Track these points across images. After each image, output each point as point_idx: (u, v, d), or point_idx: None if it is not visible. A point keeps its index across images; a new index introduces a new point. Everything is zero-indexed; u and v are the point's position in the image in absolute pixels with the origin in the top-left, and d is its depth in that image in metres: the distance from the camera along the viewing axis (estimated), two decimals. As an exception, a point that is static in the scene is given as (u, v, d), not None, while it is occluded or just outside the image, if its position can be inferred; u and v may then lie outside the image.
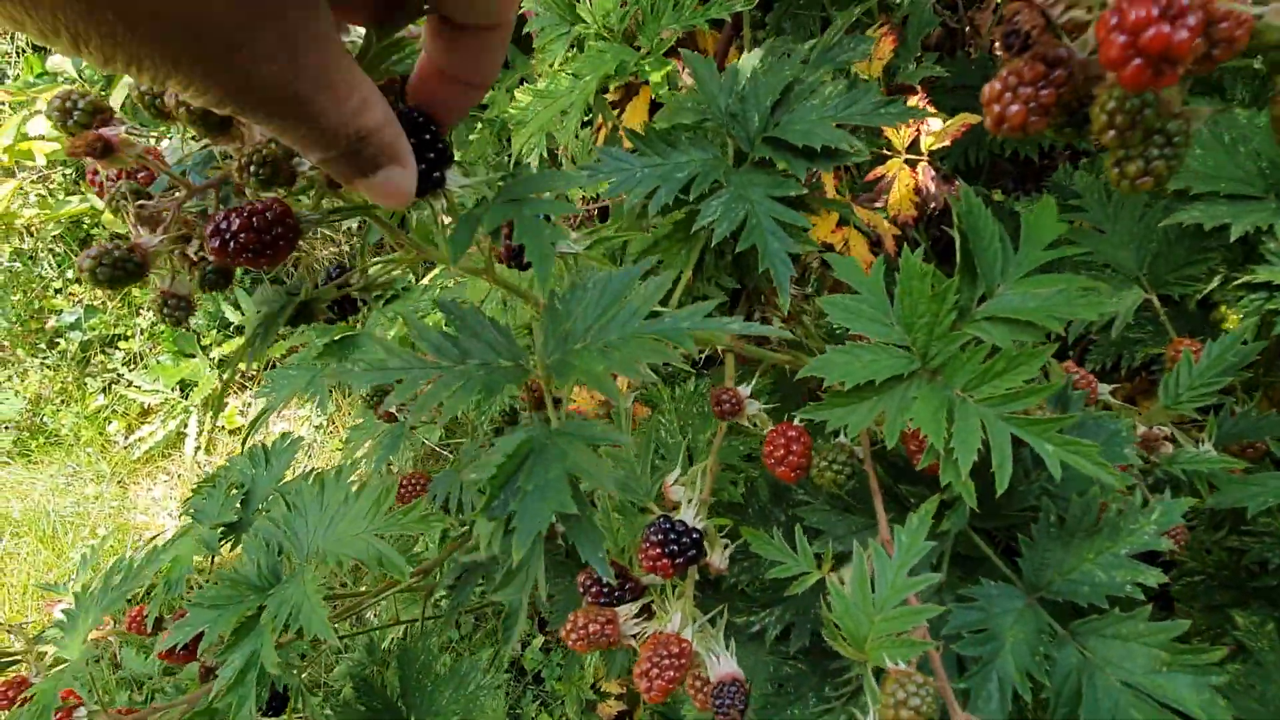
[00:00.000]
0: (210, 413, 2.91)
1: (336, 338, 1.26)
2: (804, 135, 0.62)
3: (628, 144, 0.69)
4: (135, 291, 3.09)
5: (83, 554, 2.49)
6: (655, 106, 1.23)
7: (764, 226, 0.61)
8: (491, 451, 0.44)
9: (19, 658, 1.07)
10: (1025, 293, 0.55)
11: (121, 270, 0.49)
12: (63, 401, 3.00)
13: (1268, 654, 0.79)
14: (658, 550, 0.61)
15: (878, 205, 1.25)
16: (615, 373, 0.42)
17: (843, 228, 1.20)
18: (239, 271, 0.56)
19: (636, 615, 0.66)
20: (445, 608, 1.41)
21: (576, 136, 1.27)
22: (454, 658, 2.04)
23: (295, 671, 1.07)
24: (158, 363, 2.98)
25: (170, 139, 0.56)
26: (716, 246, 0.70)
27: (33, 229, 3.10)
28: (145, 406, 2.97)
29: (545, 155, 1.24)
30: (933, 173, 1.27)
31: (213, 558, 1.19)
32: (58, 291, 3.12)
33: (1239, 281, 0.95)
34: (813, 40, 0.72)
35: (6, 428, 2.94)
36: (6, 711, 1.00)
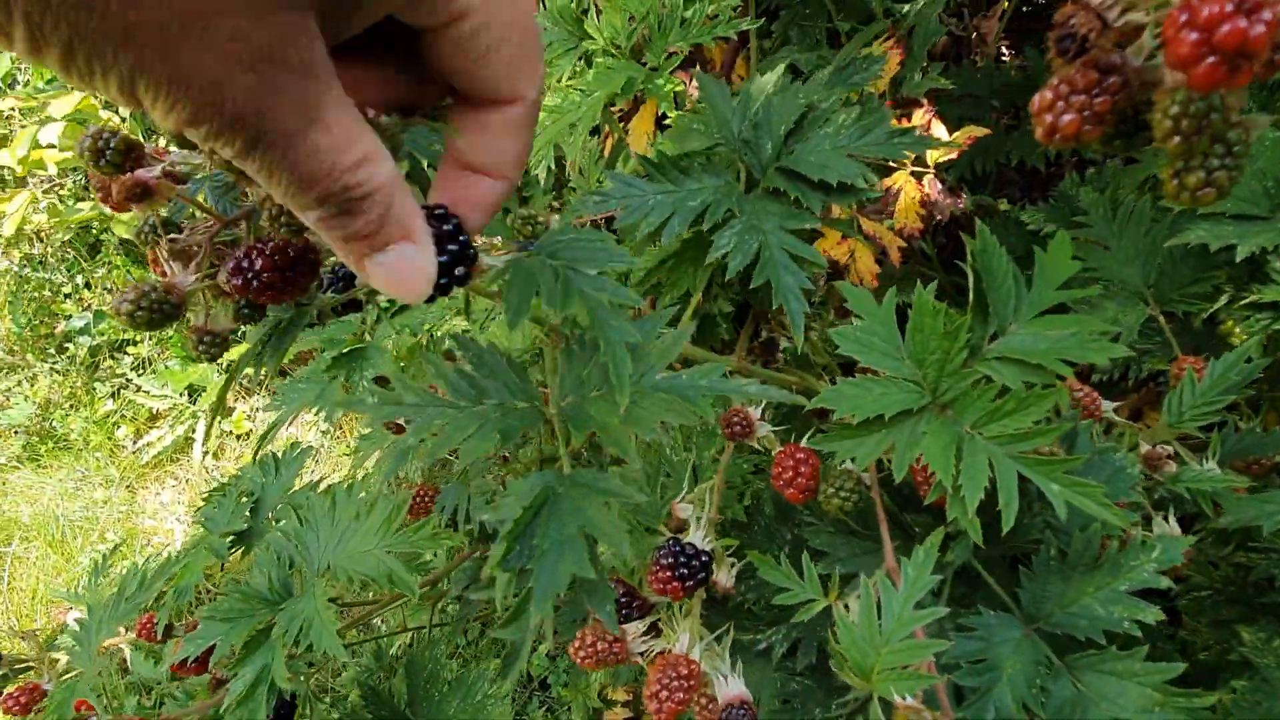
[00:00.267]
0: (214, 416, 2.92)
1: (345, 350, 1.27)
2: (819, 169, 0.62)
3: (637, 167, 0.69)
4: (144, 296, 3.10)
5: (93, 560, 2.51)
6: (661, 119, 1.24)
7: (777, 260, 0.61)
8: (508, 498, 0.44)
9: (30, 664, 1.09)
10: (1037, 334, 0.55)
11: (160, 312, 0.48)
12: (72, 406, 3.02)
13: (1274, 670, 0.79)
14: (668, 574, 0.61)
15: (884, 217, 1.25)
16: (632, 431, 0.42)
17: (848, 240, 1.20)
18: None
19: (644, 633, 0.67)
20: (453, 616, 1.42)
21: (584, 148, 1.28)
22: (461, 664, 2.05)
23: (303, 678, 1.08)
24: (166, 368, 3.00)
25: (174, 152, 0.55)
26: (721, 267, 0.71)
27: (43, 234, 3.12)
28: (154, 411, 2.98)
29: (553, 168, 1.25)
30: (939, 184, 1.27)
31: (222, 565, 1.19)
32: (67, 296, 3.13)
33: (1245, 301, 0.95)
34: (824, 68, 0.72)
35: (16, 432, 2.96)
36: (20, 718, 1.01)
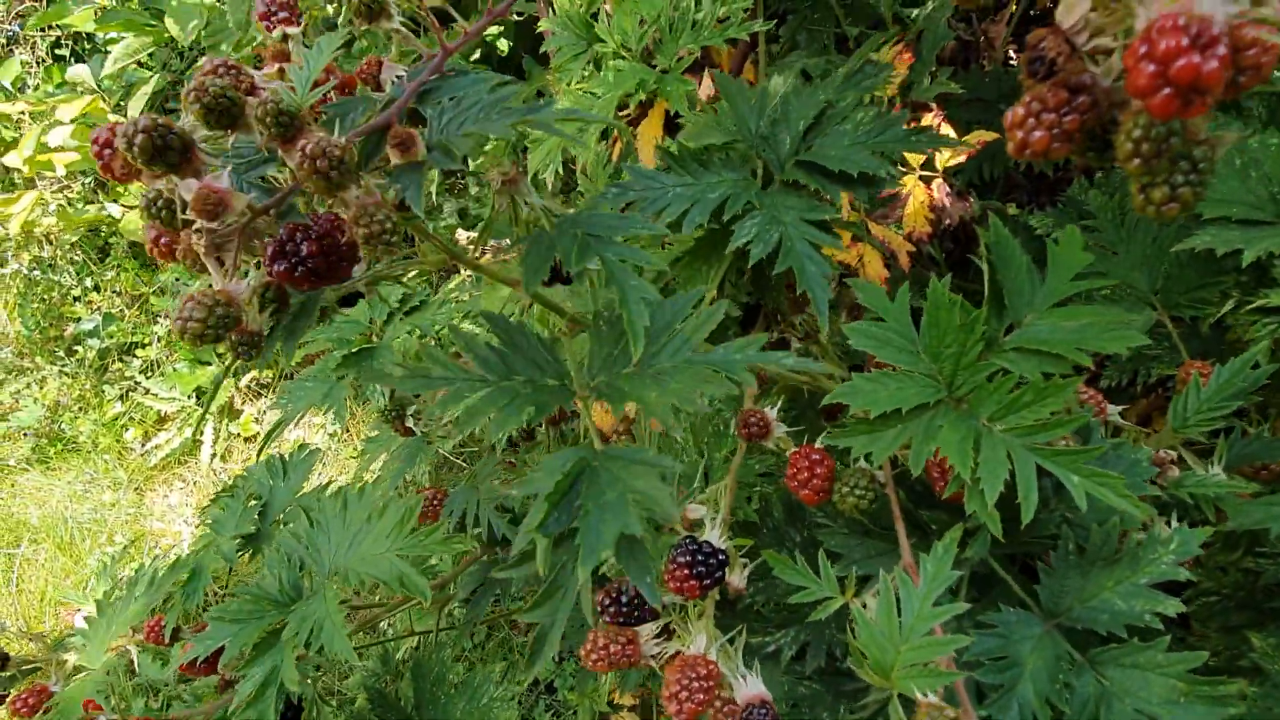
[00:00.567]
0: (208, 407, 2.93)
1: (355, 350, 1.27)
2: (839, 161, 0.63)
3: (650, 159, 0.70)
4: (153, 300, 3.12)
5: (101, 561, 2.51)
6: (669, 121, 1.24)
7: (800, 250, 0.61)
8: (540, 470, 0.44)
9: (39, 665, 1.09)
10: (1054, 324, 0.55)
11: (224, 326, 0.47)
12: (81, 409, 3.03)
13: (1284, 676, 0.79)
14: (685, 571, 0.61)
15: (892, 221, 1.26)
16: (674, 403, 0.42)
17: (858, 244, 1.21)
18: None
19: (656, 635, 0.66)
20: (460, 620, 1.42)
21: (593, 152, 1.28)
22: (467, 667, 2.05)
23: (309, 681, 1.08)
24: (174, 370, 3.00)
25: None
26: (735, 265, 0.71)
27: (52, 237, 3.13)
28: (162, 414, 2.99)
29: (560, 171, 1.25)
30: (947, 189, 1.27)
31: (230, 567, 1.20)
32: (76, 299, 3.15)
33: (1252, 306, 0.94)
34: (838, 70, 0.72)
35: (25, 434, 2.97)
36: (27, 719, 1.01)
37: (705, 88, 1.35)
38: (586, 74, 1.11)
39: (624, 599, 0.66)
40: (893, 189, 1.26)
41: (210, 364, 3.00)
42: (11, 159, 2.75)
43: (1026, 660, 0.58)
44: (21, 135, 2.77)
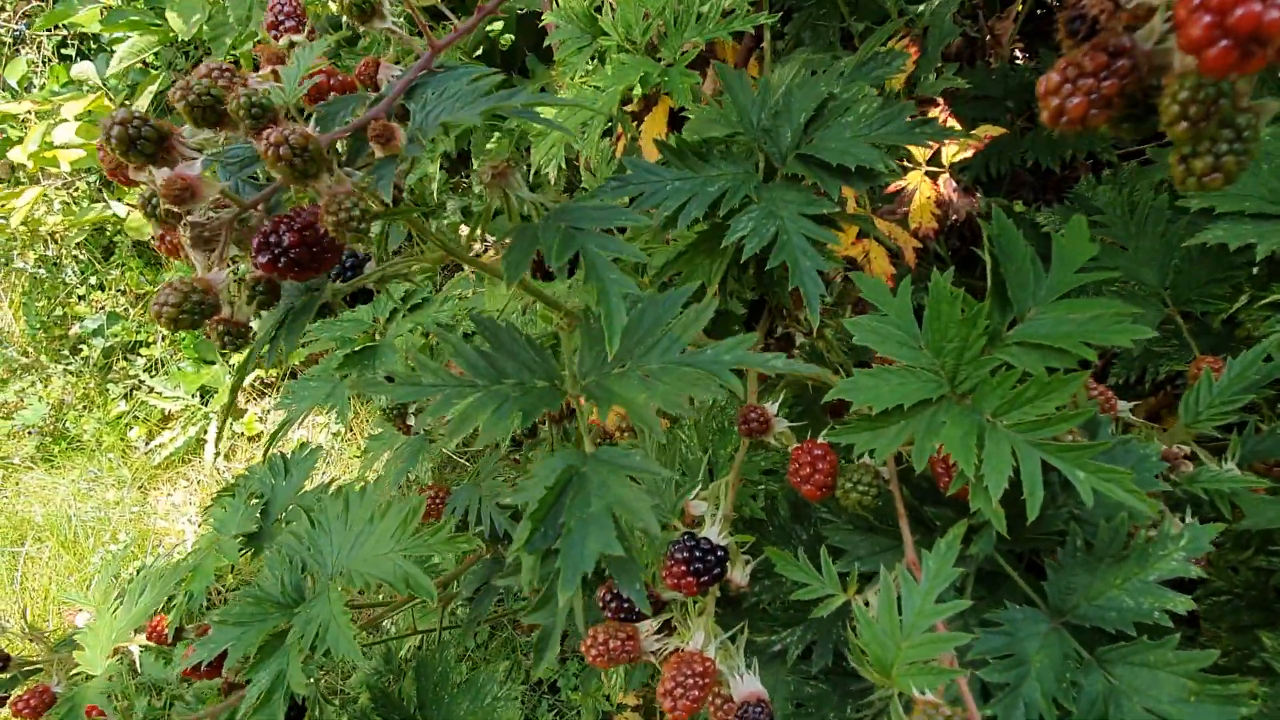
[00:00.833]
0: (226, 416, 2.93)
1: (358, 349, 1.27)
2: (839, 154, 0.62)
3: (653, 154, 0.69)
4: (157, 298, 3.12)
5: (104, 560, 2.52)
6: (673, 117, 1.23)
7: (794, 244, 0.60)
8: (530, 479, 0.43)
9: (40, 666, 1.08)
10: (1058, 317, 0.54)
11: (199, 312, 0.48)
12: (85, 407, 3.03)
13: (1295, 676, 0.78)
14: (683, 568, 0.60)
15: (898, 217, 1.25)
16: (658, 406, 0.41)
17: (863, 240, 1.20)
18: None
19: (657, 631, 0.66)
20: (463, 619, 1.42)
21: (596, 147, 1.27)
22: (471, 667, 2.04)
23: (313, 681, 1.07)
24: (179, 369, 3.01)
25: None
26: (737, 260, 0.70)
27: (56, 236, 3.14)
28: (166, 413, 2.99)
29: (564, 166, 1.25)
30: (954, 184, 1.26)
31: (232, 566, 1.19)
32: (81, 298, 3.15)
33: (1265, 301, 0.93)
34: (845, 59, 0.71)
35: (30, 433, 2.97)
36: (28, 720, 1.00)
37: (710, 83, 1.35)
38: (590, 68, 1.10)
39: (625, 595, 0.65)
40: (898, 184, 1.25)
41: (214, 363, 3.00)
42: (16, 154, 2.76)
43: (1033, 658, 0.57)
44: (27, 133, 2.78)
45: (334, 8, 1.95)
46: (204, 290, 0.48)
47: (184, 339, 3.03)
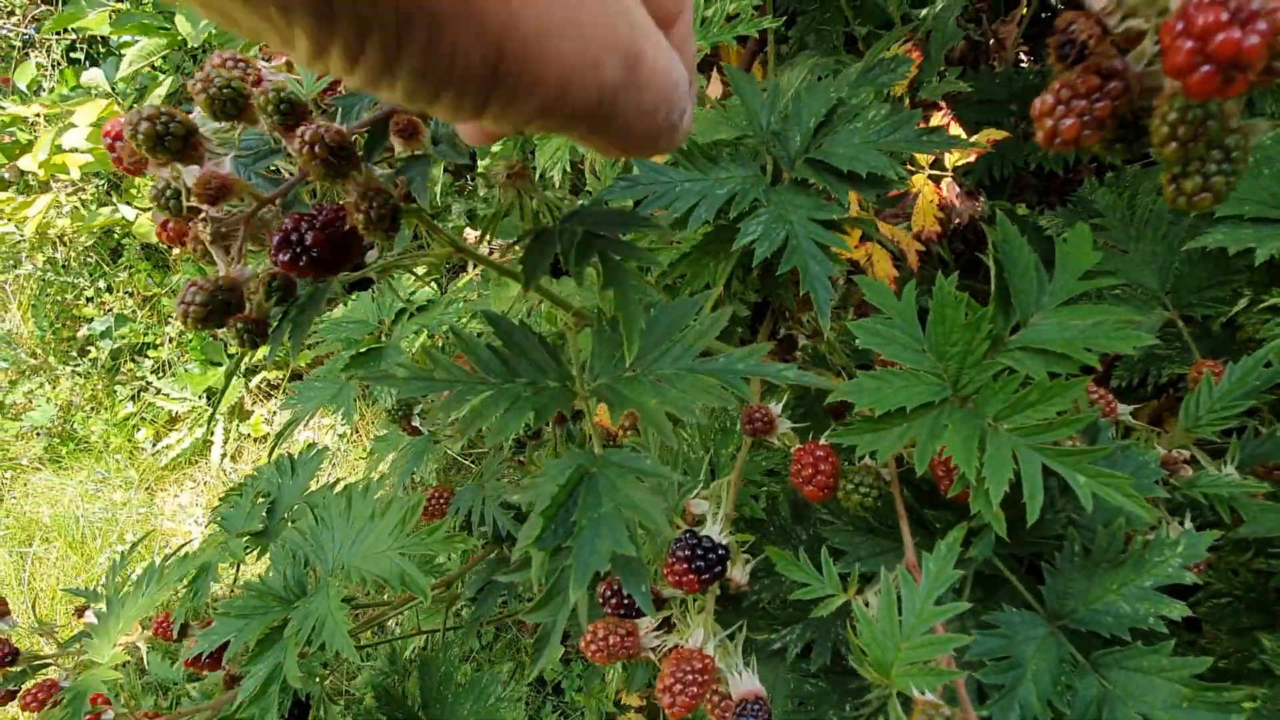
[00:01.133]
0: (217, 404, 2.94)
1: (363, 350, 1.28)
2: (849, 160, 0.62)
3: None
4: (164, 301, 3.14)
5: (111, 560, 2.53)
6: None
7: (805, 249, 0.60)
8: (538, 478, 0.44)
9: (50, 661, 1.09)
10: (1061, 323, 0.54)
11: (226, 310, 0.48)
12: (93, 409, 3.05)
13: (1295, 678, 0.78)
14: (684, 565, 0.61)
15: (901, 220, 1.25)
16: (671, 413, 0.41)
17: (866, 243, 1.20)
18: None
19: (656, 628, 0.66)
20: (467, 619, 1.42)
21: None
22: (475, 668, 2.05)
23: (317, 680, 1.08)
24: (185, 371, 3.02)
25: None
26: (742, 262, 0.70)
27: (65, 239, 3.16)
28: (173, 414, 3.01)
29: (568, 170, 1.25)
30: (957, 188, 1.27)
31: (238, 565, 1.20)
32: (89, 300, 3.17)
33: (1265, 305, 0.94)
34: (852, 65, 0.71)
35: (38, 434, 2.99)
36: (37, 713, 1.01)
37: (714, 87, 1.35)
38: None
39: (625, 591, 0.66)
40: (902, 188, 1.25)
41: (221, 364, 3.01)
42: (26, 162, 2.78)
43: (1029, 661, 0.58)
44: (37, 138, 2.80)
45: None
46: (229, 288, 0.48)
47: (191, 341, 3.05)
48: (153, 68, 2.79)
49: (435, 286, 1.69)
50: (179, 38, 2.43)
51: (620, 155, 0.35)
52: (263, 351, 0.58)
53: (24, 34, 3.33)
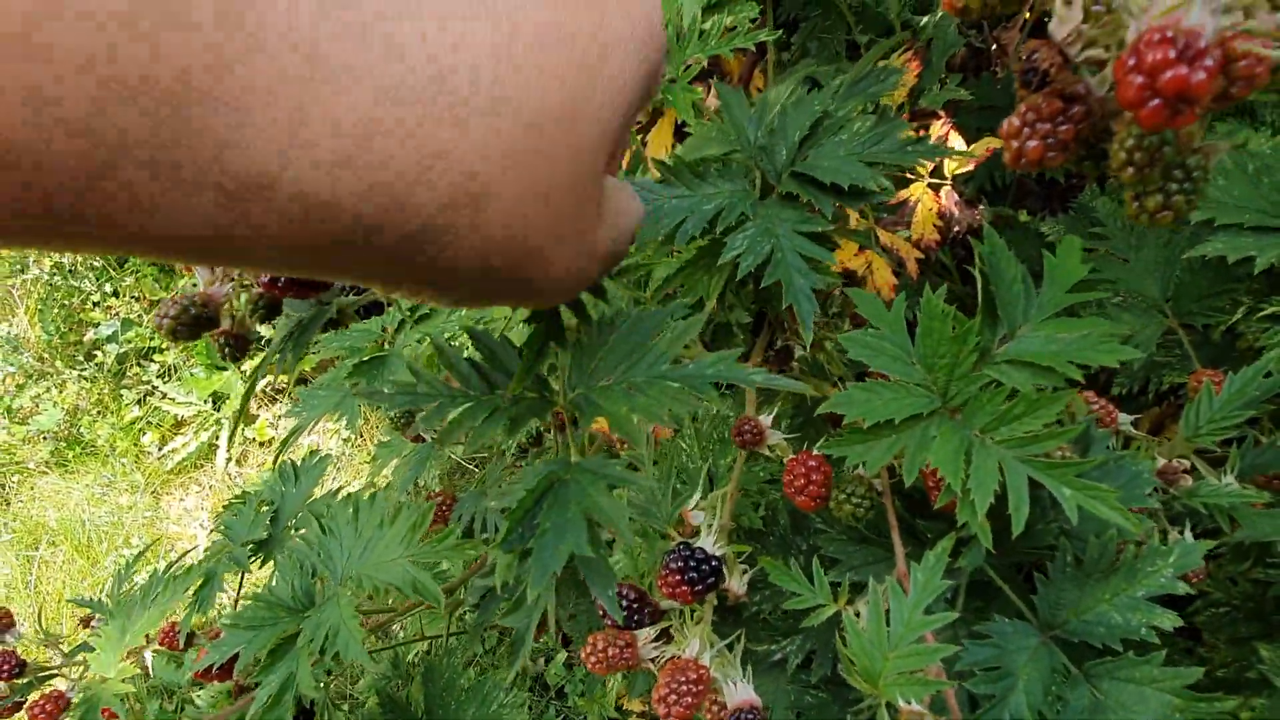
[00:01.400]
0: (237, 424, 2.96)
1: (367, 358, 1.29)
2: (831, 173, 0.62)
3: (655, 174, 0.70)
4: (170, 305, 3.15)
5: (118, 565, 2.54)
6: (679, 130, 1.24)
7: (789, 262, 0.61)
8: (515, 483, 0.44)
9: (56, 671, 1.10)
10: (1047, 336, 0.54)
11: (198, 324, 0.50)
12: (99, 413, 3.06)
13: (1292, 687, 0.78)
14: (677, 577, 0.62)
15: (901, 229, 1.26)
16: (640, 417, 0.42)
17: (866, 251, 1.21)
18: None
19: (655, 639, 0.67)
20: (469, 625, 1.43)
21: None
22: (478, 673, 2.05)
23: (322, 685, 1.09)
24: (191, 375, 3.04)
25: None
26: (735, 275, 0.71)
27: (72, 243, 3.17)
28: (178, 418, 3.02)
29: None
30: (956, 196, 1.27)
31: (242, 574, 1.21)
32: (96, 305, 3.19)
33: (1265, 313, 0.94)
34: (840, 77, 0.72)
35: (45, 438, 3.01)
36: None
37: (713, 97, 1.36)
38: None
39: (624, 603, 0.67)
40: (901, 196, 1.26)
41: (226, 369, 3.03)
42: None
43: (1021, 671, 0.58)
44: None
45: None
46: (203, 304, 0.49)
47: (197, 346, 3.06)
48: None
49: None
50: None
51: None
52: (253, 364, 0.59)
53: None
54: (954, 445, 0.52)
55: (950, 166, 1.25)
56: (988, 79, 1.56)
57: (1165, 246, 1.07)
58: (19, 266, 3.18)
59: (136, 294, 3.19)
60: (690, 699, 0.56)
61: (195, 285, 0.53)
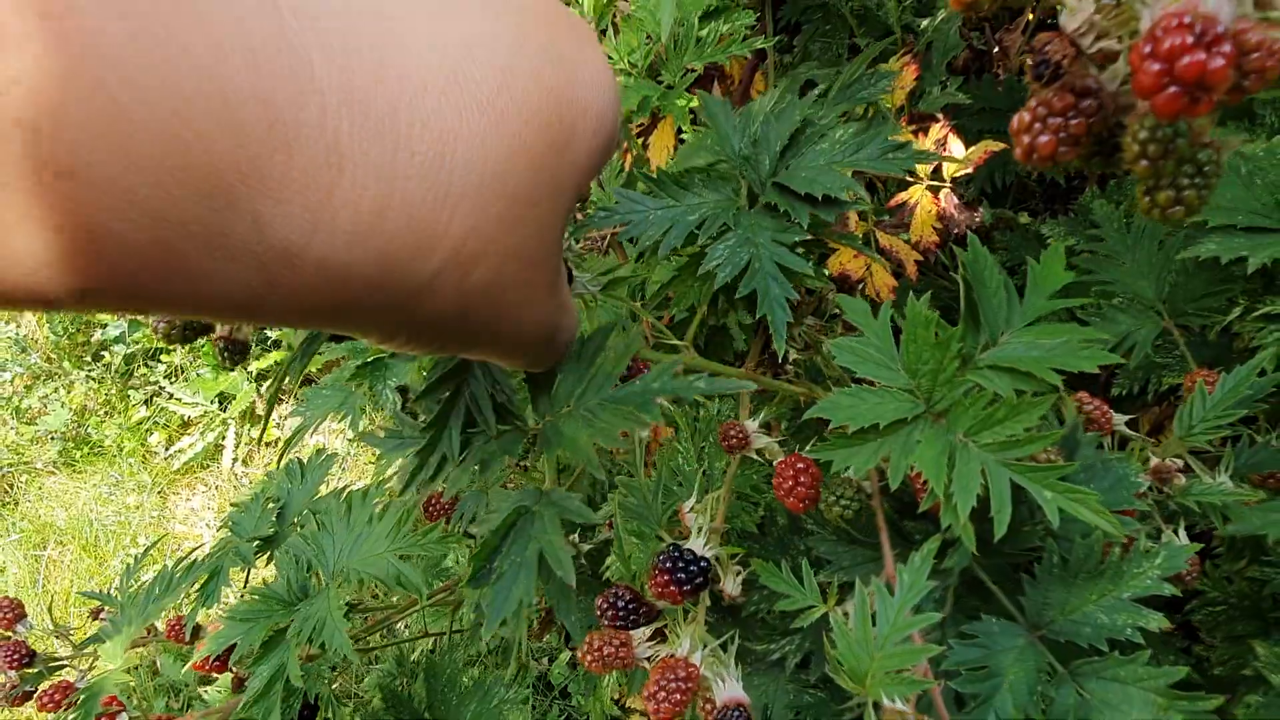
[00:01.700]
0: (249, 425, 2.98)
1: (369, 360, 1.30)
2: (807, 183, 0.63)
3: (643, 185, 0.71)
4: (177, 305, 3.17)
5: (125, 564, 2.56)
6: (681, 134, 1.25)
7: (766, 271, 0.62)
8: (491, 514, 0.46)
9: (65, 663, 1.12)
10: (1029, 342, 0.55)
11: (192, 329, 0.52)
12: (106, 413, 3.09)
13: (1287, 686, 0.79)
14: (665, 577, 0.63)
15: (900, 231, 1.26)
16: (598, 442, 0.44)
17: (864, 254, 1.21)
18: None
19: (650, 638, 0.68)
20: (472, 622, 1.44)
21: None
22: (481, 670, 2.06)
23: (326, 682, 1.10)
24: (198, 376, 3.06)
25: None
26: (715, 285, 0.72)
27: (81, 245, 3.19)
28: (185, 419, 3.04)
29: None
30: (955, 198, 1.27)
31: (248, 570, 1.22)
32: (104, 305, 3.21)
33: (1259, 313, 0.94)
34: (825, 84, 0.73)
35: (53, 438, 3.03)
36: (52, 714, 1.04)
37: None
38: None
39: (620, 604, 0.68)
40: (901, 198, 1.26)
41: (232, 370, 3.05)
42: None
43: (1007, 671, 0.59)
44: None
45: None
46: None
47: (204, 347, 3.08)
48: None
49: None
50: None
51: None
52: (258, 365, 0.61)
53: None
54: (937, 449, 0.53)
55: (949, 168, 1.26)
56: (989, 81, 1.56)
57: (1161, 247, 1.08)
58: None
59: (144, 294, 3.21)
60: (679, 695, 0.57)
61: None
